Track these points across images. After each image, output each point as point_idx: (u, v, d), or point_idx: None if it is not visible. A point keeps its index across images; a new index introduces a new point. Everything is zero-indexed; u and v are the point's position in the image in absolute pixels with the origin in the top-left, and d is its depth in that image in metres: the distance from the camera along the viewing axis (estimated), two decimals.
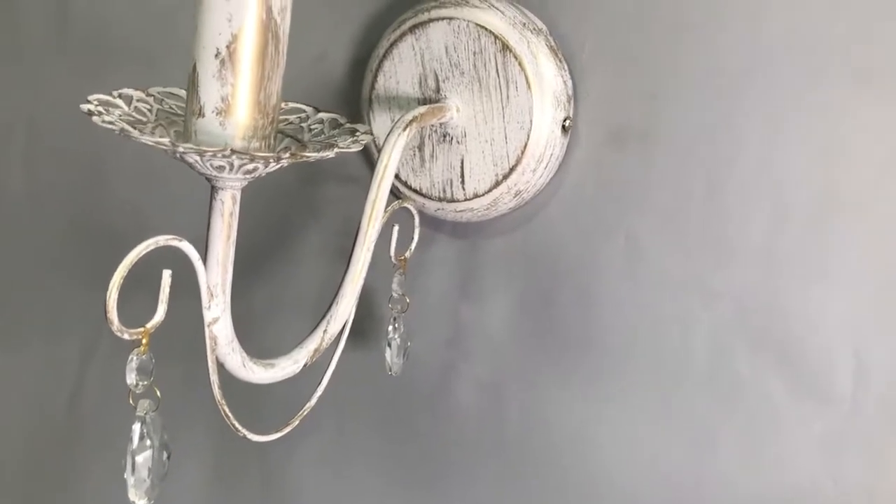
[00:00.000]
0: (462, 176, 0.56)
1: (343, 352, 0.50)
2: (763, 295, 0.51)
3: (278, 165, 0.37)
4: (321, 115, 0.44)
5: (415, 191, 0.57)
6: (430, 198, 0.57)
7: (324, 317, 0.47)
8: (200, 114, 0.37)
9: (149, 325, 0.36)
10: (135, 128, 0.37)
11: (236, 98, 0.37)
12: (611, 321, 0.55)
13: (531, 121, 0.53)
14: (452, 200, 0.56)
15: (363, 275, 0.48)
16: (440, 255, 0.60)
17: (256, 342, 0.49)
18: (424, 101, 0.56)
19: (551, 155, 0.54)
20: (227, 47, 0.37)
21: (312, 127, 0.43)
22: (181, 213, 0.57)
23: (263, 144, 0.38)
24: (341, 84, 0.62)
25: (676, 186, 0.53)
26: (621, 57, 0.53)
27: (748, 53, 0.50)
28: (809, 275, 0.50)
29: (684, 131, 0.52)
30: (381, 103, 0.57)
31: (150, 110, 0.41)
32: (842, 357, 0.50)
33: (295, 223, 0.64)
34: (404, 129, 0.50)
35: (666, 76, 0.52)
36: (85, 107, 0.37)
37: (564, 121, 0.54)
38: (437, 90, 0.55)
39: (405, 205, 0.53)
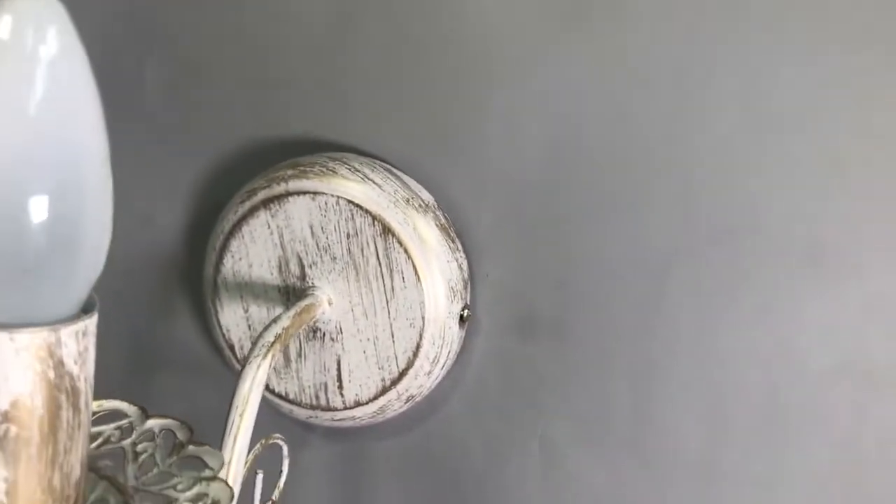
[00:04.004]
0: (339, 380, 0.45)
1: None
2: None
3: None
4: (150, 423, 0.31)
5: (279, 396, 0.46)
6: (298, 404, 0.46)
7: None
8: None
9: None
10: None
11: (18, 494, 0.25)
12: None
13: (423, 317, 0.43)
14: (329, 409, 0.46)
15: None
16: (316, 463, 0.49)
17: None
18: (286, 290, 0.45)
19: (448, 352, 0.45)
20: None
21: (139, 449, 0.30)
22: None
23: None
24: (174, 254, 0.49)
25: (597, 387, 0.44)
26: (526, 234, 0.44)
27: (675, 235, 0.42)
28: (755, 487, 0.43)
29: (602, 325, 0.44)
30: (230, 289, 0.46)
31: None
32: None
33: None
34: (265, 357, 0.39)
35: (578, 260, 0.44)
36: None
37: (462, 310, 0.44)
38: (303, 277, 0.44)
39: (273, 440, 0.41)
